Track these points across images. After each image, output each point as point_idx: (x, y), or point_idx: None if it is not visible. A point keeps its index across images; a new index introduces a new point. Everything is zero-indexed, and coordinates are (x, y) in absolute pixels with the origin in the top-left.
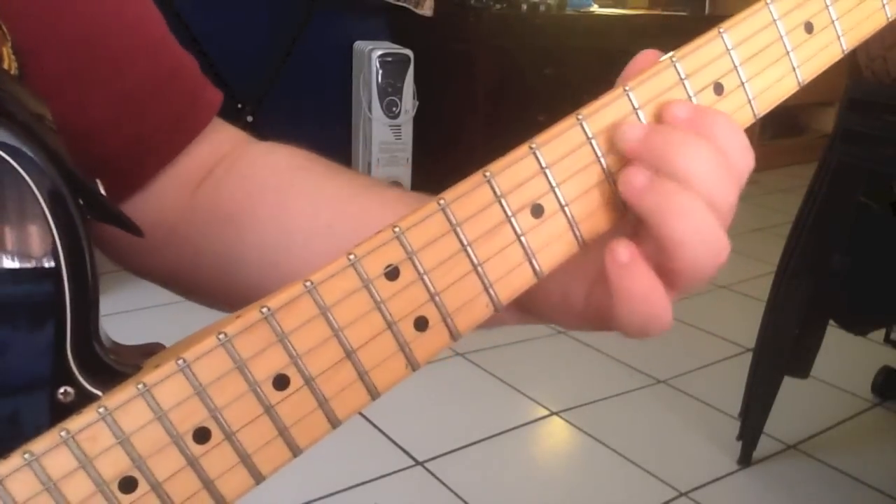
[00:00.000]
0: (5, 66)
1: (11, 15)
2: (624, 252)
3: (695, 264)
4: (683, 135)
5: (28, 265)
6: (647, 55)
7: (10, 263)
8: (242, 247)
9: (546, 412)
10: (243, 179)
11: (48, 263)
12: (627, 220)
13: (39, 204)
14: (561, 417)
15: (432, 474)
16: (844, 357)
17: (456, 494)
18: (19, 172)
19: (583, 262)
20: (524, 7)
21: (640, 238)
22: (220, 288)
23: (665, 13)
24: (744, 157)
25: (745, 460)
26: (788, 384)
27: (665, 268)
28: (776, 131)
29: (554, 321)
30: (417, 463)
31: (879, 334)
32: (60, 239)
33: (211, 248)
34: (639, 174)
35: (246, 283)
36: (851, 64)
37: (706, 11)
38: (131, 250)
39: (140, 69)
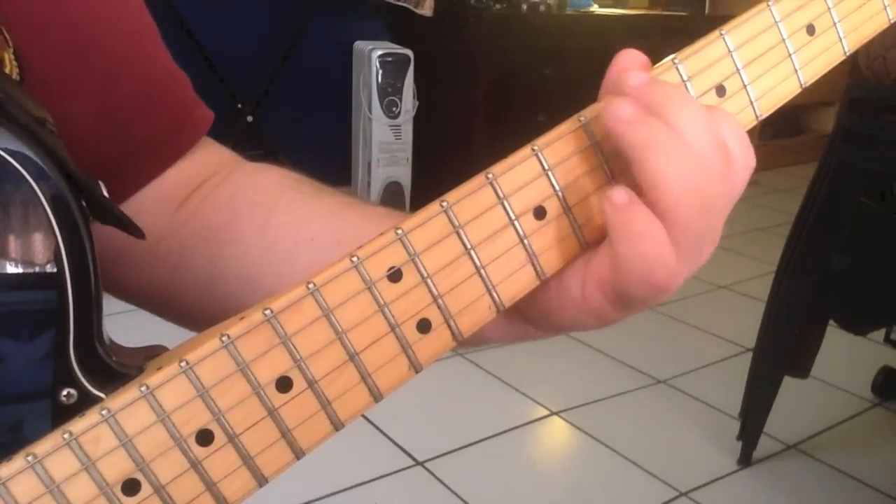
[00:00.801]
0: (7, 70)
1: (12, 20)
2: (621, 194)
3: (679, 209)
4: (684, 93)
5: (31, 268)
6: (628, 55)
7: (14, 266)
8: (224, 262)
9: (546, 412)
10: (229, 197)
11: (51, 266)
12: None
13: (42, 206)
14: (561, 417)
15: (432, 474)
16: (844, 357)
17: (456, 494)
18: (22, 175)
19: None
20: (524, 7)
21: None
22: (199, 305)
23: (665, 13)
24: (744, 151)
25: (745, 460)
26: (788, 384)
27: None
28: (776, 131)
29: (552, 324)
30: (417, 463)
31: (879, 334)
32: (63, 241)
33: (192, 263)
34: (627, 106)
35: (226, 300)
36: (851, 64)
37: (706, 11)
38: (112, 268)
39: (131, 83)
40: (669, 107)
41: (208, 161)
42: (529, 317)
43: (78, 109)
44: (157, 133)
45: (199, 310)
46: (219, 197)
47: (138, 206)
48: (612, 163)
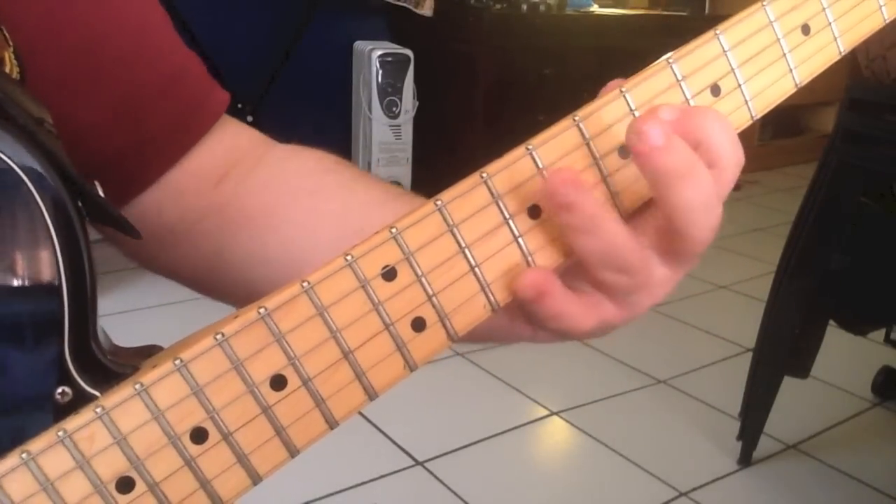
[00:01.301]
0: (7, 69)
1: (13, 19)
2: (530, 288)
3: (699, 232)
4: (717, 114)
5: (27, 267)
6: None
7: (10, 265)
8: (271, 246)
9: (546, 412)
10: (271, 179)
11: (47, 265)
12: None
13: (39, 207)
14: (561, 417)
15: (432, 474)
16: (844, 357)
17: (456, 494)
18: (19, 176)
19: None
20: (524, 7)
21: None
22: (242, 286)
23: (665, 13)
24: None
25: (745, 460)
26: (788, 384)
27: (668, 234)
28: (776, 131)
29: (560, 335)
30: (417, 463)
31: (879, 334)
32: (59, 242)
33: (235, 245)
34: (656, 131)
35: (269, 282)
36: (851, 64)
37: (706, 11)
38: (149, 247)
39: (140, 74)
40: (703, 128)
41: (235, 140)
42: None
43: (87, 104)
44: (171, 120)
45: (245, 290)
46: (259, 181)
47: (170, 188)
48: (606, 161)
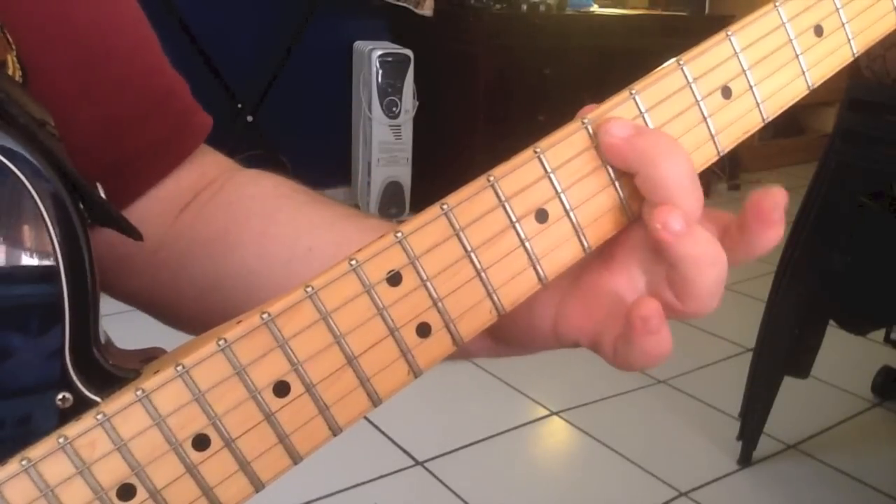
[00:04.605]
0: (9, 72)
1: (17, 25)
2: (655, 319)
3: (710, 306)
4: (670, 141)
5: (27, 269)
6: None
7: (9, 267)
8: (223, 271)
9: (546, 412)
10: (228, 206)
11: (47, 268)
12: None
13: (38, 208)
14: (561, 417)
15: (432, 474)
16: (844, 357)
17: (456, 494)
18: (18, 176)
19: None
20: (524, 7)
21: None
22: (197, 311)
23: (665, 13)
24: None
25: (745, 460)
26: (788, 384)
27: (674, 308)
28: (776, 131)
29: (523, 348)
30: (417, 463)
31: (879, 334)
32: (59, 243)
33: (191, 271)
34: (675, 218)
35: (224, 307)
36: (851, 64)
37: (706, 11)
38: (111, 273)
39: (134, 92)
40: (660, 161)
41: (206, 168)
42: (504, 339)
43: (82, 117)
44: (158, 139)
45: (197, 316)
46: (217, 206)
47: (139, 214)
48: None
